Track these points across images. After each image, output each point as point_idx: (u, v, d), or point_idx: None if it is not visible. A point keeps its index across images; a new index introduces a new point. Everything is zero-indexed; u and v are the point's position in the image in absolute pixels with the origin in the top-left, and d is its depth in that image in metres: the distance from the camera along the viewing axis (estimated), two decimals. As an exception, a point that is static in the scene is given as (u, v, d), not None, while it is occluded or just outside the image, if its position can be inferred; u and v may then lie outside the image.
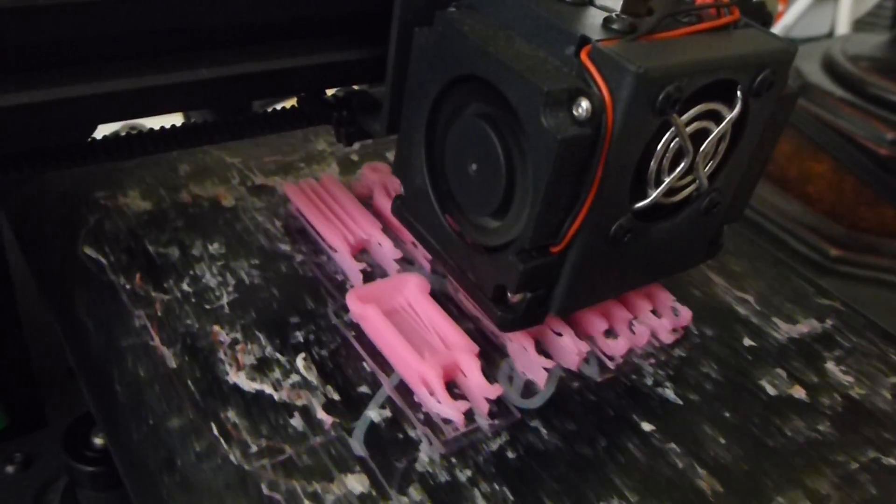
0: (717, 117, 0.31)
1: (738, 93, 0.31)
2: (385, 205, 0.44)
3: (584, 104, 0.27)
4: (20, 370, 0.44)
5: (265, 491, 0.30)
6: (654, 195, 0.31)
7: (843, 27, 1.40)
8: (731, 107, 0.31)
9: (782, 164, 0.95)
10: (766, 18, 0.42)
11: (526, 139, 0.29)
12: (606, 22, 0.29)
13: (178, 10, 0.30)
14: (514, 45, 0.30)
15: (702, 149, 0.31)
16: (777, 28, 1.35)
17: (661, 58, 0.28)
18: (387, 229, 0.42)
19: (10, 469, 0.45)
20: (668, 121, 0.29)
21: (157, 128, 0.38)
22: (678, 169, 0.31)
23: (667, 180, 0.31)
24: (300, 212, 0.44)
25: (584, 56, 0.28)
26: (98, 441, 0.41)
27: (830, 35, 1.45)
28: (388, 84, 0.35)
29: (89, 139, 0.37)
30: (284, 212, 0.44)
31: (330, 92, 0.40)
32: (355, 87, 0.40)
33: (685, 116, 0.30)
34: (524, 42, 0.30)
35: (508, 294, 0.33)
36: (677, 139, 0.30)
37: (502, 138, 0.30)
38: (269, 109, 0.42)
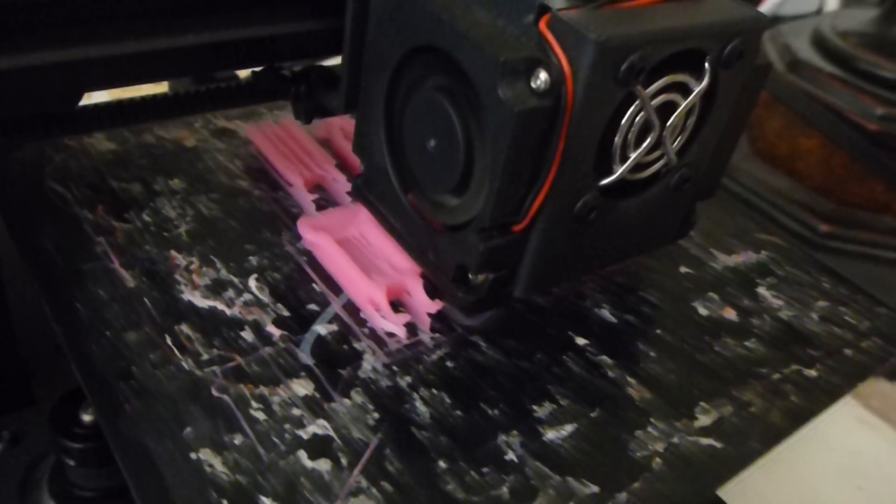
0: (685, 90, 0.30)
1: (707, 63, 0.29)
2: (342, 145, 0.46)
3: (543, 75, 0.26)
4: (6, 348, 0.44)
5: (215, 394, 0.32)
6: (619, 171, 0.30)
7: (832, 3, 1.40)
8: (700, 78, 0.30)
9: (772, 140, 0.95)
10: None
11: (483, 112, 0.28)
12: None
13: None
14: (472, 14, 0.28)
15: (669, 122, 0.30)
16: (766, 4, 1.35)
17: (624, 26, 0.27)
18: (342, 166, 0.44)
19: None
20: (632, 93, 0.28)
21: (116, 100, 0.40)
22: (645, 144, 0.30)
23: (633, 155, 0.30)
24: (260, 152, 0.46)
25: (542, 25, 0.27)
26: (86, 417, 0.42)
27: (820, 11, 1.45)
28: (346, 57, 0.34)
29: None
30: (245, 153, 0.46)
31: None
32: (315, 62, 0.40)
33: (651, 88, 0.29)
34: (483, 10, 0.29)
35: (470, 275, 0.32)
36: (643, 112, 0.29)
37: (460, 112, 0.29)
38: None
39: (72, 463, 0.42)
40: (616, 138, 0.29)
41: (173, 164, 0.44)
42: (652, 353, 0.37)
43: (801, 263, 0.45)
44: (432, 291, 0.36)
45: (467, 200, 0.31)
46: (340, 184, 0.43)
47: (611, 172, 0.30)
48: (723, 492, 0.31)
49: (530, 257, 0.31)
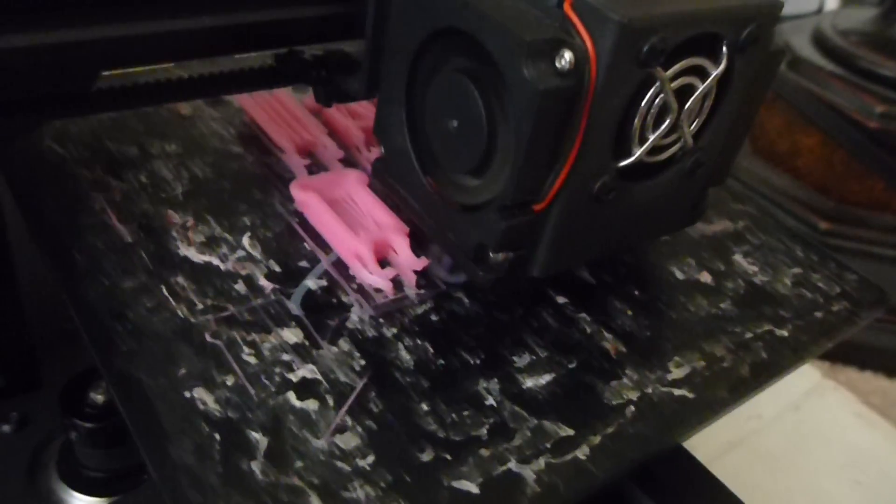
0: (702, 73, 0.31)
1: (724, 47, 0.30)
2: (333, 113, 0.47)
3: (567, 55, 0.27)
4: (16, 331, 0.45)
5: (208, 339, 0.33)
6: (638, 152, 0.31)
7: (832, 2, 1.42)
8: (717, 62, 0.31)
9: (772, 138, 0.96)
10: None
11: (507, 92, 0.28)
12: None
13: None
14: None
15: (687, 106, 0.31)
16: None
17: (645, 8, 0.28)
18: (332, 134, 0.46)
19: (6, 428, 0.46)
20: (650, 75, 0.29)
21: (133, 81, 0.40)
22: (663, 126, 0.30)
23: (651, 137, 0.31)
24: (253, 120, 0.47)
25: (567, 6, 0.28)
26: (98, 398, 0.42)
27: (820, 10, 1.46)
28: (368, 40, 0.35)
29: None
30: (238, 121, 0.47)
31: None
32: (337, 46, 0.40)
33: (669, 71, 0.29)
34: None
35: (490, 254, 0.32)
36: (662, 95, 0.30)
37: (483, 92, 0.30)
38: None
39: (79, 440, 0.43)
40: (635, 120, 0.30)
41: (169, 129, 0.45)
42: (628, 311, 0.39)
43: (775, 232, 0.47)
44: (418, 249, 0.38)
45: (488, 180, 0.31)
46: (330, 150, 0.44)
47: (629, 154, 0.31)
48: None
49: (548, 237, 0.32)
